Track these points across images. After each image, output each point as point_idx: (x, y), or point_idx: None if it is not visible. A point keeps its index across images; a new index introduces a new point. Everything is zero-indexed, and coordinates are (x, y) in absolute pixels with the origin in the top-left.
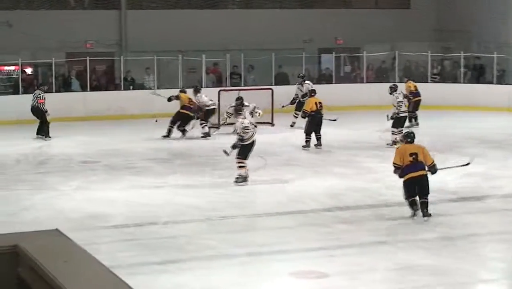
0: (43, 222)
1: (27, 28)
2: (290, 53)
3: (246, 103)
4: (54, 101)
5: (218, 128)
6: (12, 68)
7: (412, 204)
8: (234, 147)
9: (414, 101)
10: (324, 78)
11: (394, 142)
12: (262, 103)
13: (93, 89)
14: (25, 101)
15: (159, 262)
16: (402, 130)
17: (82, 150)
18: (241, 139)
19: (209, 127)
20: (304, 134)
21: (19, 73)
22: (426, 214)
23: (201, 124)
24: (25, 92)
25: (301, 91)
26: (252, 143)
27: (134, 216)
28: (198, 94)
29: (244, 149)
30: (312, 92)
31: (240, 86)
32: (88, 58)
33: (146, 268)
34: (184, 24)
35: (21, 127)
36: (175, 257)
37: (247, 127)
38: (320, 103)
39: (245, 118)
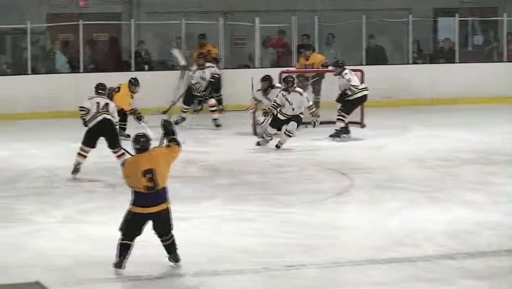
0: (13, 271)
1: None
2: (389, 16)
3: (277, 84)
4: (28, 88)
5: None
6: None
7: (122, 248)
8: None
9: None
10: (443, 55)
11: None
12: None
13: (88, 69)
14: None
15: None
16: None
17: (72, 162)
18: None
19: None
20: None
21: None
22: (174, 257)
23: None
24: None
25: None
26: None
27: (149, 263)
28: None
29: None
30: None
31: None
32: (81, 22)
33: None
34: None
35: None
36: None
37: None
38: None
39: None
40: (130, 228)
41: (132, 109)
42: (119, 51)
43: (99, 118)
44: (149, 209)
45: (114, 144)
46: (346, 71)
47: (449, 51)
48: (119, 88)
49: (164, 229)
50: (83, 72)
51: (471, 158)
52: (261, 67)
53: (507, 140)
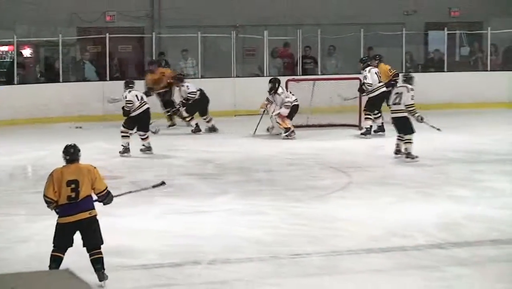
0: (46, 259)
1: None
2: (385, 29)
3: (281, 90)
4: (60, 95)
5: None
6: (5, 48)
7: (53, 260)
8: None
9: None
10: (433, 64)
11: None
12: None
13: (114, 77)
14: (22, 94)
15: None
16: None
17: (99, 161)
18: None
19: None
20: None
21: (14, 55)
22: (101, 276)
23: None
24: (22, 81)
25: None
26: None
27: (169, 252)
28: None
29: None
30: None
31: (316, 74)
32: (107, 35)
33: None
34: None
35: (16, 129)
36: None
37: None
38: None
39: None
40: (59, 239)
41: None
42: (142, 61)
43: (144, 107)
44: (73, 217)
45: (146, 129)
46: (368, 68)
47: (438, 61)
48: None
49: (93, 239)
50: (109, 80)
51: (458, 157)
52: (269, 76)
53: (492, 142)
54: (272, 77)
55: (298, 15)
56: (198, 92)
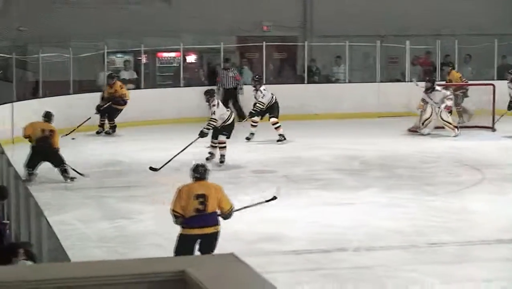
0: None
1: (189, 6)
2: None
3: (438, 88)
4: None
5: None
6: (173, 54)
7: None
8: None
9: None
10: None
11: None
12: (481, 102)
13: (268, 82)
14: (186, 95)
15: None
16: None
17: (256, 156)
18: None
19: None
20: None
21: (181, 61)
22: None
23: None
24: (187, 84)
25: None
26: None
27: (318, 239)
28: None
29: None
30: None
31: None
32: (264, 43)
33: None
34: (383, 3)
35: (181, 127)
36: None
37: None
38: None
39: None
40: (181, 249)
41: None
42: (295, 67)
43: (233, 115)
44: (199, 230)
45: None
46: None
47: None
48: None
49: (208, 249)
50: (265, 84)
51: None
52: (410, 81)
53: None
54: (429, 77)
55: (436, 26)
56: (271, 97)
